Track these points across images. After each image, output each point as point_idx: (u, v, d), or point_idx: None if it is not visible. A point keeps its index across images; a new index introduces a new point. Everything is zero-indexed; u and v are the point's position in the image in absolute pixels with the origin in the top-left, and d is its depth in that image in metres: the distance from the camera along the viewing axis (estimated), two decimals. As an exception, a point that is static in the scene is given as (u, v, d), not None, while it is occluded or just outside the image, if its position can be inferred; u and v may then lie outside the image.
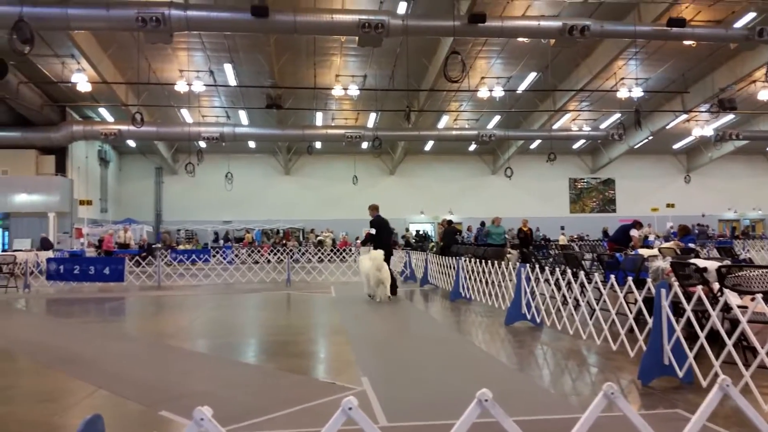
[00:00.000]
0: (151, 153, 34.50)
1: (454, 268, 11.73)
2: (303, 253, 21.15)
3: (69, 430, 4.34)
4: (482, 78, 25.33)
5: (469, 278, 11.02)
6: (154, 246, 28.06)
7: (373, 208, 13.20)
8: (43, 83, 23.93)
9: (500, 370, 6.02)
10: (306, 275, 16.71)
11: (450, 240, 18.00)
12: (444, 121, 31.32)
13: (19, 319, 11.02)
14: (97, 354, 6.94)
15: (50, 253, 20.09)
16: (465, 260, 11.31)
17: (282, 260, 17.37)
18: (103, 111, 28.28)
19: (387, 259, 11.99)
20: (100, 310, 11.96)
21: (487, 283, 10.26)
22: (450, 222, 19.58)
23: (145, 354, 7.05)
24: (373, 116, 29.70)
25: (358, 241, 32.36)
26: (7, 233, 27.14)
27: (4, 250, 23.10)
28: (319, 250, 26.41)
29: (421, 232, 34.14)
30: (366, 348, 7.13)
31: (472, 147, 35.19)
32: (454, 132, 31.51)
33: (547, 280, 7.91)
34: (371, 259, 11.68)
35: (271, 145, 35.29)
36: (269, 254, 24.57)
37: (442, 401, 4.71)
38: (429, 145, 35.10)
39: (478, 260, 10.84)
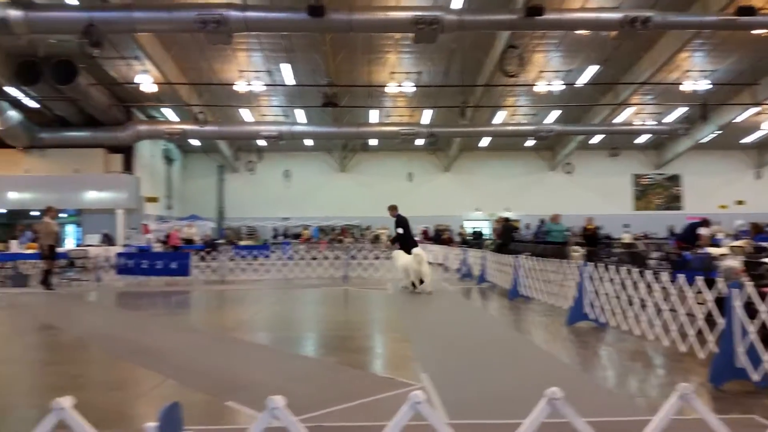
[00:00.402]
0: (213, 151, 35.47)
1: (512, 265, 11.57)
2: (360, 250, 21.29)
3: (140, 419, 4.51)
4: (540, 72, 24.85)
5: (529, 276, 10.83)
6: (217, 242, 28.89)
7: (393, 208, 13.94)
8: (110, 84, 24.93)
9: (562, 370, 5.90)
10: (362, 271, 16.82)
11: (507, 237, 17.73)
12: (500, 116, 30.90)
13: (92, 311, 11.55)
14: (164, 345, 7.19)
15: (120, 248, 20.96)
16: (524, 258, 11.13)
17: (339, 257, 17.52)
18: (166, 111, 29.25)
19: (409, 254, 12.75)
20: (166, 303, 12.40)
21: (547, 281, 10.05)
22: (507, 219, 19.27)
23: (210, 346, 7.25)
24: (428, 113, 29.61)
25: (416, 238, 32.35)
26: (80, 229, 28.47)
27: (77, 246, 24.24)
28: (375, 247, 26.51)
29: (476, 230, 33.78)
30: (424, 344, 7.12)
31: (530, 143, 34.60)
32: (510, 128, 31.05)
33: (611, 280, 7.69)
34: (413, 255, 12.39)
35: (327, 143, 35.69)
36: (326, 250, 24.86)
37: (505, 400, 4.65)
38: (485, 141, 34.71)
39: (537, 258, 10.64)
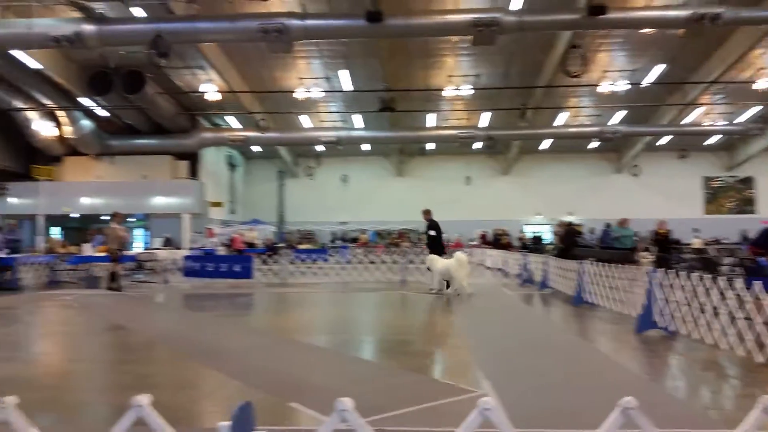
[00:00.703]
0: (274, 157, 36.25)
1: (576, 271, 11.27)
2: (417, 254, 21.26)
3: (208, 417, 4.63)
4: (604, 71, 24.19)
5: (594, 283, 10.52)
6: (278, 245, 29.48)
7: (427, 212, 14.64)
8: (176, 93, 25.84)
9: (630, 379, 5.69)
10: (420, 276, 16.76)
11: (570, 242, 17.27)
12: (562, 118, 30.25)
13: (159, 312, 11.98)
14: (228, 346, 7.36)
15: (186, 252, 21.66)
16: (589, 264, 10.82)
17: (396, 261, 17.52)
18: (230, 118, 30.09)
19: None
20: (230, 304, 12.71)
21: (614, 288, 9.72)
22: (570, 224, 18.78)
23: (272, 347, 7.38)
24: (486, 115, 29.29)
25: (472, 243, 32.04)
26: (148, 233, 29.57)
27: (145, 249, 25.17)
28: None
29: (536, 234, 33.09)
30: (485, 351, 7.02)
31: (593, 144, 33.68)
32: (573, 129, 30.36)
33: (682, 286, 7.37)
34: (457, 260, 12.90)
35: (384, 148, 35.79)
36: (384, 255, 24.94)
37: (572, 409, 4.53)
38: (546, 144, 34.05)
39: (603, 264, 10.30)
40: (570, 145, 33.74)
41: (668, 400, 4.94)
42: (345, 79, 24.90)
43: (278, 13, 17.10)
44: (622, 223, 17.06)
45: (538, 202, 35.76)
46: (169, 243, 25.93)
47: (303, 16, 17.17)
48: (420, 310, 11.56)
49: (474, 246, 30.22)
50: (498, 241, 30.19)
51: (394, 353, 7.12)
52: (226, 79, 23.68)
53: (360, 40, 20.46)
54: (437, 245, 14.29)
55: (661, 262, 11.19)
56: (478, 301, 12.10)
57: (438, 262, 13.37)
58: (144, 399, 1.88)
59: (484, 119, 29.64)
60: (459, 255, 13.15)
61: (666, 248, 17.05)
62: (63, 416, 4.61)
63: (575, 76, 16.60)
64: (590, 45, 21.38)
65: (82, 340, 8.57)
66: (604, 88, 23.80)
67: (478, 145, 31.82)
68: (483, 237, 32.13)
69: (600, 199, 34.71)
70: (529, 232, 33.95)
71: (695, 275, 7.32)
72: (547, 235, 32.97)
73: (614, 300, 9.72)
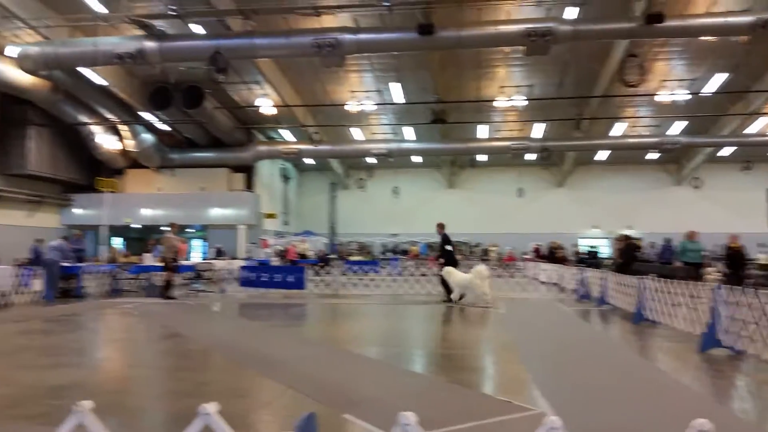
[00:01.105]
0: (326, 169, 36.73)
1: (636, 287, 10.93)
2: (469, 268, 21.11)
3: (267, 427, 4.70)
4: (662, 81, 23.53)
5: (655, 299, 10.16)
6: (329, 256, 29.78)
7: (441, 226, 15.32)
8: (233, 108, 26.58)
9: (695, 400, 5.46)
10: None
11: (629, 257, 16.70)
12: (619, 128, 29.53)
13: (216, 321, 12.24)
14: (282, 355, 7.44)
15: (242, 262, 22.11)
16: (650, 279, 10.47)
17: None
18: (284, 132, 30.70)
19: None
20: (284, 314, 12.89)
21: (677, 305, 9.36)
22: (628, 237, 18.19)
23: (325, 357, 7.43)
24: (539, 126, 28.88)
25: (525, 256, 31.52)
26: (206, 244, 30.35)
27: (203, 259, 25.81)
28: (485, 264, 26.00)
29: (591, 248, 32.20)
30: (541, 368, 6.86)
31: (652, 155, 32.68)
32: (630, 140, 29.58)
33: (749, 304, 7.05)
34: (475, 272, 13.46)
35: (435, 159, 35.75)
36: (435, 267, 24.81)
37: (633, 429, 4.37)
38: (602, 155, 33.29)
39: (665, 280, 9.94)
40: (627, 156, 32.89)
41: (736, 422, 4.72)
42: (396, 92, 25.07)
43: (332, 28, 17.39)
44: (691, 236, 16.04)
45: (595, 214, 34.94)
46: (221, 253, 26.54)
47: (356, 30, 17.41)
48: (472, 324, 11.43)
49: (527, 259, 29.72)
50: (553, 255, 29.55)
51: (445, 367, 7.06)
52: (280, 94, 24.21)
53: (411, 52, 20.58)
54: (453, 258, 15.01)
55: (732, 280, 10.52)
56: (532, 316, 11.88)
57: (456, 274, 13.93)
58: (211, 407, 1.93)
59: (538, 130, 29.25)
60: (479, 268, 13.71)
61: (739, 264, 15.80)
62: (124, 420, 4.73)
63: (632, 86, 16.17)
64: (648, 53, 20.88)
65: (142, 347, 8.85)
66: (663, 97, 23.15)
67: (530, 157, 31.38)
68: (537, 250, 31.55)
69: (659, 212, 33.62)
70: (584, 245, 33.07)
71: (763, 292, 6.99)
72: (604, 249, 32.09)
73: (677, 317, 9.36)
